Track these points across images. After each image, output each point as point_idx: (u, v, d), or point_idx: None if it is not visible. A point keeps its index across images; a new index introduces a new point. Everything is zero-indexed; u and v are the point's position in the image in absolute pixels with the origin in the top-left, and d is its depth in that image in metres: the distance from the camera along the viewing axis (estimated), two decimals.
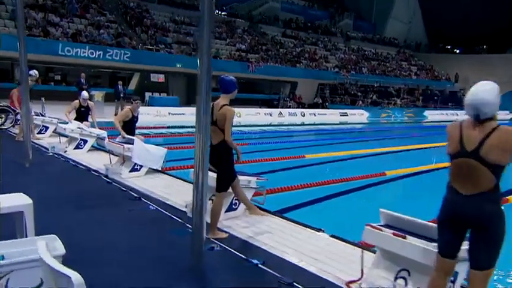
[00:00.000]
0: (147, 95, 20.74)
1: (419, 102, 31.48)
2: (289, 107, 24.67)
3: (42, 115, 9.09)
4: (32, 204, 3.10)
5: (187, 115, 17.40)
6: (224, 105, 3.63)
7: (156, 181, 5.77)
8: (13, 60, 18.19)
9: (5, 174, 5.19)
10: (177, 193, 5.16)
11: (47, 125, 8.97)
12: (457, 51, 44.37)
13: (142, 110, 12.72)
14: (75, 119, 7.91)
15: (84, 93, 8.03)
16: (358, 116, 24.18)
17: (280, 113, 20.67)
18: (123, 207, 4.45)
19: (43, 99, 11.48)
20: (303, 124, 19.72)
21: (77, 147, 7.42)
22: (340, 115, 23.26)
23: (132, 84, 22.45)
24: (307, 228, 4.07)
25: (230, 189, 3.85)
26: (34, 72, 8.71)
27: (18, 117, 9.63)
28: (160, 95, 21.46)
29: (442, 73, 40.19)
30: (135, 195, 4.87)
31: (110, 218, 4.11)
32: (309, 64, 29.94)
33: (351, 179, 6.96)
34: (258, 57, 26.97)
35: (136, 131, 6.55)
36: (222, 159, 3.63)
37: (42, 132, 8.86)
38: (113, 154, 6.41)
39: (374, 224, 2.77)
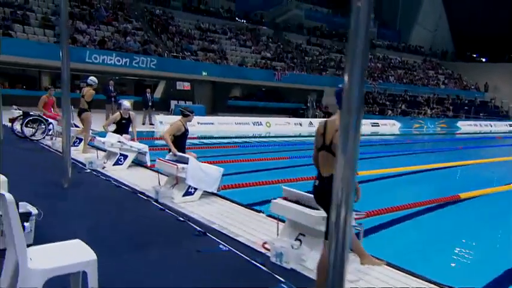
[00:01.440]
0: (173, 103, 20.21)
1: (450, 112, 30.13)
2: (316, 116, 23.76)
3: (76, 126, 8.45)
4: (96, 261, 2.33)
5: (216, 125, 16.76)
6: None
7: (213, 207, 4.97)
8: (41, 67, 17.91)
9: (43, 199, 4.48)
10: (242, 224, 4.37)
11: (81, 136, 8.33)
12: (484, 59, 42.74)
13: (170, 119, 12.02)
14: (114, 131, 7.23)
15: (126, 104, 7.32)
16: (390, 126, 23.10)
17: (311, 123, 19.76)
18: (189, 246, 3.65)
19: (72, 107, 10.89)
20: None
21: (116, 163, 6.70)
22: (372, 125, 22.23)
23: (157, 92, 21.99)
24: (425, 282, 3.19)
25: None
26: (93, 80, 7.82)
27: (50, 127, 9.05)
28: (186, 103, 20.85)
29: (471, 82, 38.67)
30: (198, 228, 4.07)
31: (178, 265, 3.30)
32: (336, 72, 29.05)
33: (419, 204, 6.03)
34: (283, 66, 26.24)
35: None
36: None
37: (75, 144, 8.22)
38: (160, 173, 5.65)
39: None
